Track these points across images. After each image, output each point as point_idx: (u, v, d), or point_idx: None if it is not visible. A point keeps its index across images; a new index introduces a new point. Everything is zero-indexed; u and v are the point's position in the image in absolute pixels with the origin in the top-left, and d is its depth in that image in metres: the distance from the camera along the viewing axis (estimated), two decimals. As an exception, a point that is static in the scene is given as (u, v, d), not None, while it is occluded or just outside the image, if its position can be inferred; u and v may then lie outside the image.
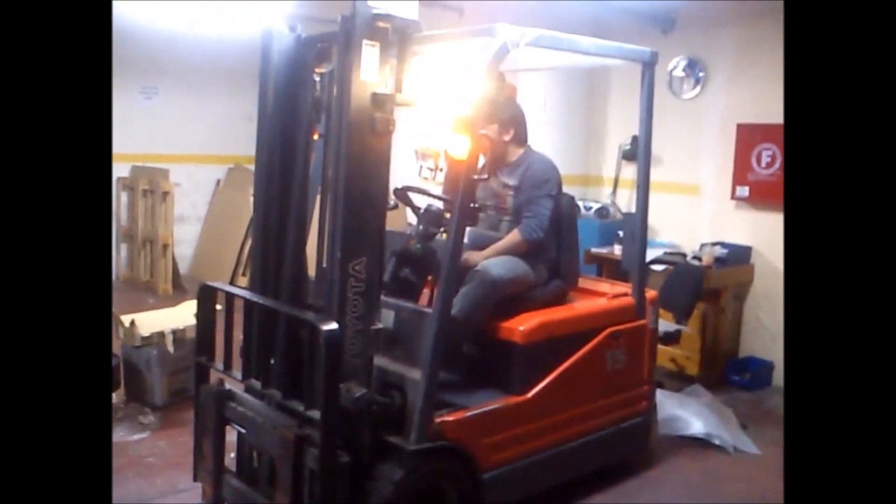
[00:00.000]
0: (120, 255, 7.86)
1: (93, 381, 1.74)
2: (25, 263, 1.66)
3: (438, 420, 2.94)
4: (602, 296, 3.85)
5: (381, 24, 2.68)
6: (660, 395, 4.27)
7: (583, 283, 3.96)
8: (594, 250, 5.77)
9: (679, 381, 5.11)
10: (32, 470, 1.63)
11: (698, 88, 5.93)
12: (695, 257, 5.39)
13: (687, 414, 4.39)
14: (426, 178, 6.15)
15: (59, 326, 1.69)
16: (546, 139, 5.00)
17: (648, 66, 3.67)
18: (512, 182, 3.59)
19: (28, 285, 1.66)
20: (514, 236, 3.51)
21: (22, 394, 1.63)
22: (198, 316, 3.25)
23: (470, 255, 3.42)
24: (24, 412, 1.63)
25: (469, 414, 3.07)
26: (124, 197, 7.76)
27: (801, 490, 1.68)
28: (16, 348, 1.63)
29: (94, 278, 1.77)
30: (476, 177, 2.94)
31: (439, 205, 3.46)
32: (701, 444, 4.25)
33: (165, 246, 7.35)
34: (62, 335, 1.69)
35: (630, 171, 6.34)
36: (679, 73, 6.00)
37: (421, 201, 3.51)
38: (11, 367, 1.63)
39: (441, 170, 6.02)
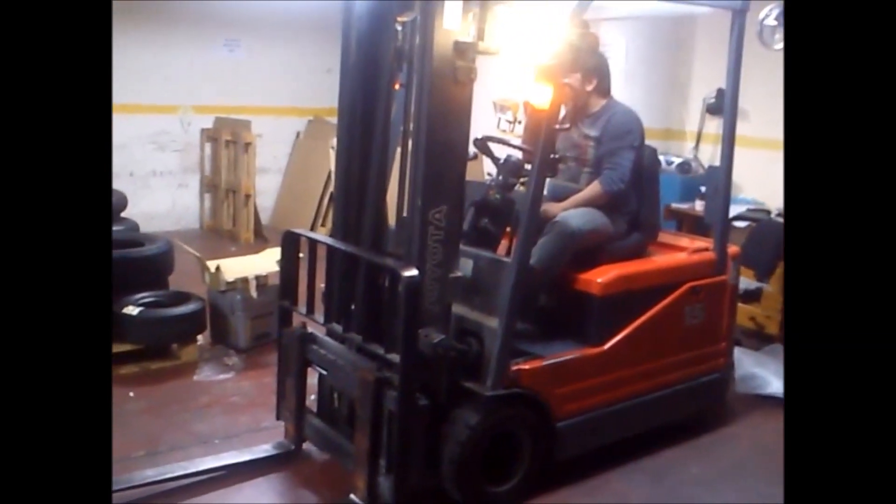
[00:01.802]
0: (204, 204, 8.10)
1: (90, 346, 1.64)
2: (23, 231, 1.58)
3: (514, 368, 2.98)
4: (682, 250, 3.79)
5: (465, -29, 2.67)
6: (738, 352, 4.22)
7: (662, 237, 3.91)
8: (674, 206, 5.68)
9: (758, 340, 5.02)
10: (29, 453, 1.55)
11: (790, 39, 5.69)
12: (779, 214, 5.25)
13: (765, 373, 4.32)
14: (504, 131, 6.12)
15: (56, 295, 1.60)
16: (627, 91, 4.90)
17: (739, 14, 3.55)
18: (593, 133, 3.55)
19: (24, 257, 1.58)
20: (594, 188, 3.48)
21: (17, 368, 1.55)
22: (282, 261, 3.36)
23: (549, 207, 3.41)
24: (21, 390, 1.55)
25: (545, 363, 3.10)
26: (208, 148, 7.96)
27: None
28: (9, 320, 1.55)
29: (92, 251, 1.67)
30: (558, 127, 2.93)
31: (519, 155, 3.45)
32: (778, 403, 4.17)
33: (247, 196, 7.53)
34: (59, 304, 1.60)
35: (714, 126, 6.20)
36: (771, 21, 5.75)
37: (500, 152, 3.51)
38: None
39: (520, 122, 5.98)
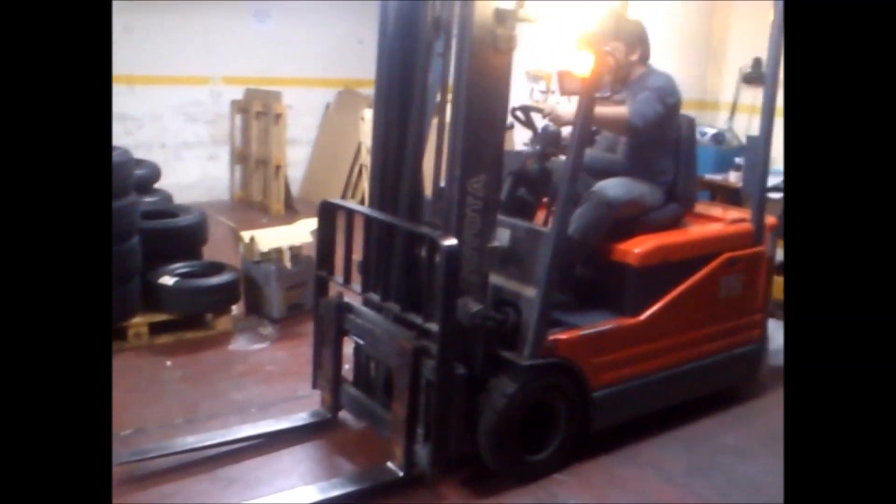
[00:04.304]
0: (234, 175, 8.14)
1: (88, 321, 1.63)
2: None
3: (551, 338, 2.98)
4: (719, 221, 3.76)
5: (505, -64, 2.64)
6: (772, 324, 4.18)
7: (698, 207, 3.88)
8: (708, 177, 5.61)
9: (792, 312, 4.98)
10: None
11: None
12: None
13: (800, 345, 4.28)
14: (537, 101, 6.04)
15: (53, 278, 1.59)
16: (661, 61, 4.83)
17: (782, -20, 3.49)
18: (629, 98, 3.50)
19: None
20: (621, 110, 3.35)
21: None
22: (318, 230, 3.37)
23: (561, 111, 3.33)
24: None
25: (581, 333, 3.10)
26: (238, 119, 7.98)
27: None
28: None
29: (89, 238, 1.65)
30: (598, 95, 2.90)
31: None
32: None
33: (278, 167, 7.55)
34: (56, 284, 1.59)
35: (749, 96, 6.10)
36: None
37: (539, 121, 3.49)
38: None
39: (553, 92, 5.90)
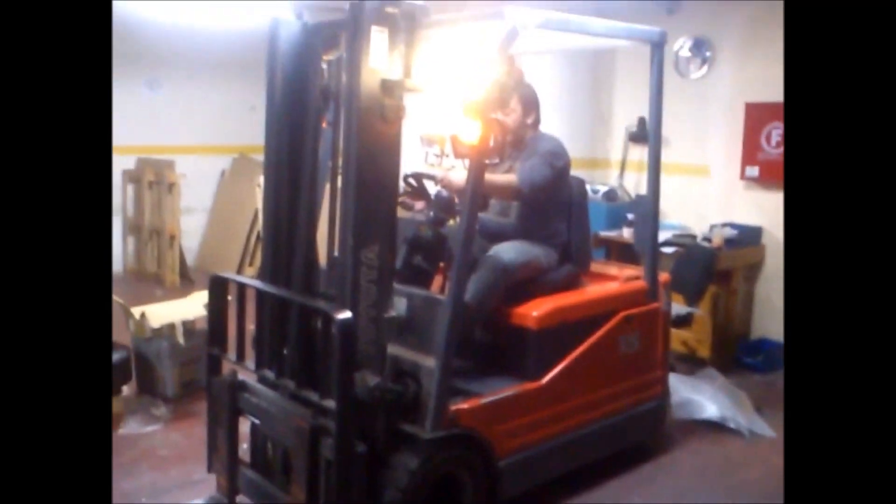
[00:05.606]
0: (127, 247, 7.84)
1: (92, 376, 1.72)
2: (24, 257, 1.65)
3: (453, 408, 2.92)
4: (613, 279, 3.82)
5: (390, 9, 2.66)
6: (673, 378, 4.25)
7: (593, 266, 3.94)
8: (602, 234, 5.74)
9: (691, 364, 5.09)
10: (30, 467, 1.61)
11: (705, 68, 5.87)
12: (705, 239, 5.36)
13: (701, 398, 4.37)
14: (432, 164, 6.11)
15: (58, 320, 1.67)
16: (551, 123, 4.97)
17: (657, 47, 3.63)
18: (518, 165, 3.55)
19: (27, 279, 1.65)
20: (510, 177, 3.41)
21: (20, 389, 1.61)
22: (209, 306, 3.24)
23: (452, 177, 3.32)
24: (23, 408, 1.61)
25: (484, 401, 3.06)
26: (130, 189, 7.73)
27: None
28: (14, 343, 1.61)
29: (93, 271, 1.75)
30: (487, 161, 2.92)
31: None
32: (716, 427, 4.23)
33: (172, 237, 7.33)
34: (61, 330, 1.67)
35: (636, 154, 6.31)
36: (685, 53, 5.94)
37: (431, 187, 3.49)
38: (9, 363, 1.61)
39: (447, 155, 5.97)
